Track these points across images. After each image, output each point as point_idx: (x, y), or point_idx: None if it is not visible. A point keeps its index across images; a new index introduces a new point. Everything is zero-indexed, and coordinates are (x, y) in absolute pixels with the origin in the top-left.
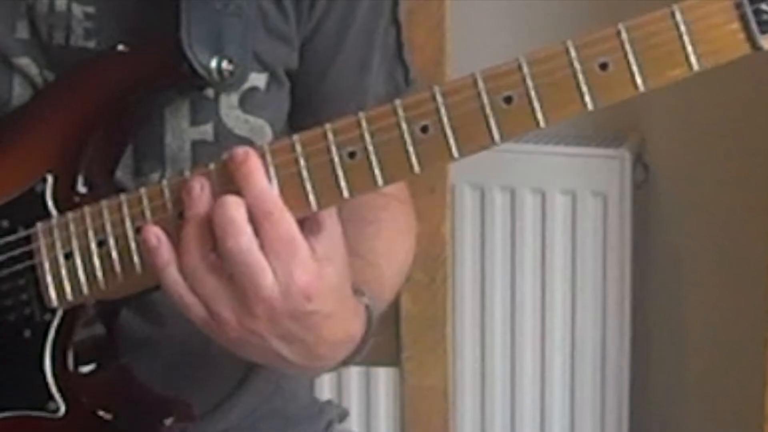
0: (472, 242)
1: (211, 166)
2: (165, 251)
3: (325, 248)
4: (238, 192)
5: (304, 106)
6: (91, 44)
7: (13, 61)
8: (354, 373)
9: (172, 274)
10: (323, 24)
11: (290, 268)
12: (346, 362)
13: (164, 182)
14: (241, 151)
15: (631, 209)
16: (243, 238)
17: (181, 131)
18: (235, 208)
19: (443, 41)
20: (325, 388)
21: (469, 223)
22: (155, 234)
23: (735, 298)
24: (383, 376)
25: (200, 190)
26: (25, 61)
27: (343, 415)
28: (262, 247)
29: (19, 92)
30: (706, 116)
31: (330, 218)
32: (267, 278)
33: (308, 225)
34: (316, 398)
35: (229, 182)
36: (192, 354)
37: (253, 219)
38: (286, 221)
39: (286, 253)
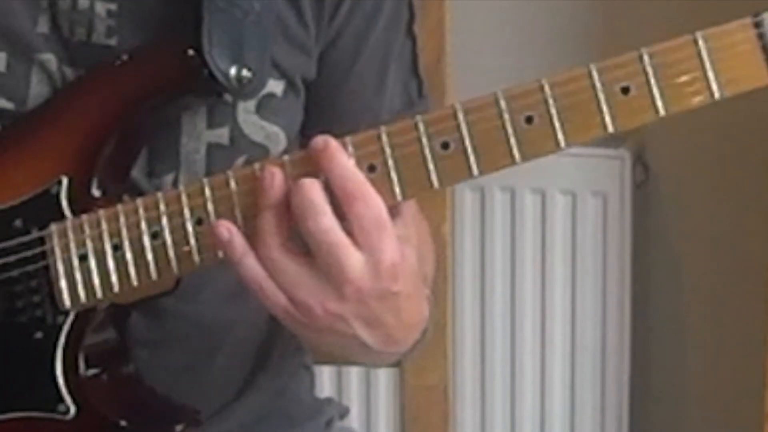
0: (472, 242)
1: (285, 157)
2: (239, 243)
3: (404, 230)
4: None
5: (318, 117)
6: (113, 42)
7: (33, 55)
8: (354, 372)
9: (250, 265)
10: (342, 36)
11: (379, 247)
12: (410, 351)
13: (181, 187)
14: (320, 138)
15: (631, 209)
16: (324, 218)
17: (197, 133)
18: (313, 189)
19: (443, 41)
20: (325, 388)
21: (469, 223)
22: (226, 227)
23: (735, 298)
24: (383, 376)
25: (273, 179)
26: (45, 56)
27: (344, 413)
28: (350, 227)
29: (37, 87)
30: (706, 116)
31: (406, 204)
32: (353, 257)
33: (389, 208)
34: (316, 396)
35: (303, 172)
36: (199, 358)
37: (340, 199)
38: (375, 198)
39: (377, 232)
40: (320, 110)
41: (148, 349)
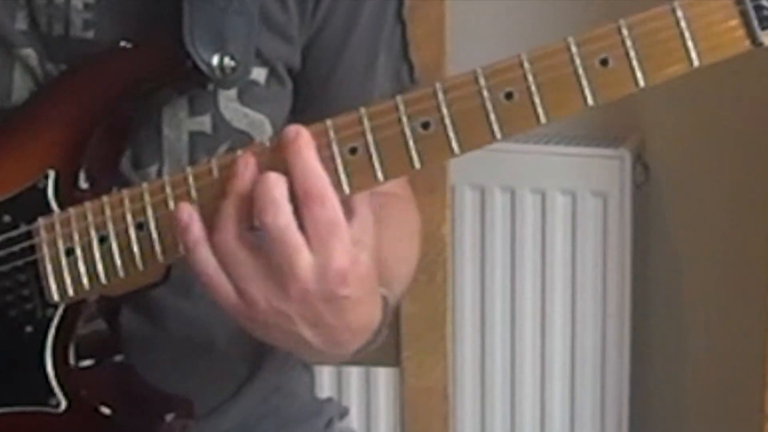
0: (472, 242)
1: (266, 142)
2: (196, 228)
3: (358, 234)
4: (285, 171)
5: (309, 106)
6: (90, 35)
7: (13, 51)
8: (354, 372)
9: (203, 252)
10: (328, 23)
11: (330, 251)
12: (358, 352)
13: (165, 177)
14: (293, 127)
15: (631, 209)
16: (282, 217)
17: (178, 122)
18: (276, 185)
19: (443, 41)
20: (325, 388)
21: (469, 223)
22: (187, 211)
23: (735, 298)
24: (383, 376)
25: (244, 168)
26: (25, 52)
27: (344, 413)
28: (303, 227)
29: (20, 82)
30: (706, 116)
31: (362, 205)
32: (304, 258)
33: (343, 210)
34: (316, 396)
35: (278, 161)
36: (194, 354)
37: (298, 196)
38: (333, 202)
39: (329, 235)
40: (311, 100)
41: (144, 347)
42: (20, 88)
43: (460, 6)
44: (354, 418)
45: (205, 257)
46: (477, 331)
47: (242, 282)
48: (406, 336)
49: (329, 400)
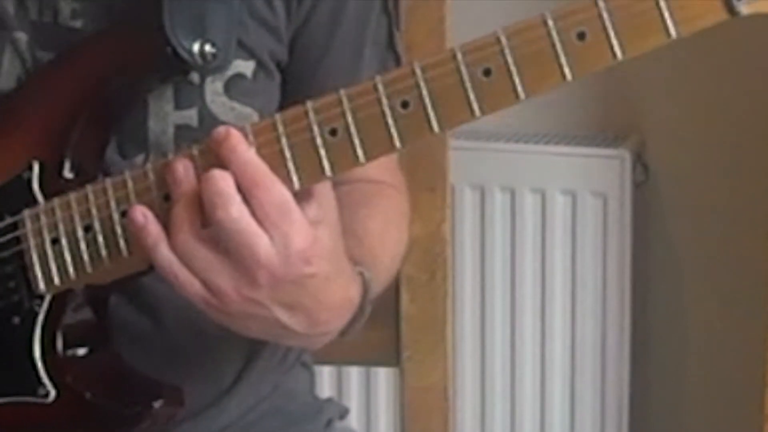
0: (472, 242)
1: (194, 149)
2: (153, 229)
3: (317, 212)
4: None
5: (297, 98)
6: (78, 24)
7: (5, 32)
8: (354, 372)
9: (164, 252)
10: (314, 15)
11: (286, 232)
12: (346, 332)
13: (148, 165)
14: (221, 128)
15: (631, 209)
16: (232, 207)
17: (164, 115)
18: (222, 179)
19: (443, 41)
20: (325, 388)
21: (469, 223)
22: (141, 212)
23: (735, 298)
24: (383, 376)
25: (184, 170)
26: (16, 35)
27: (344, 413)
28: (254, 215)
29: (8, 66)
30: (706, 116)
31: (320, 184)
32: (263, 244)
33: (299, 193)
34: (316, 396)
35: (212, 162)
36: (187, 347)
37: (243, 189)
38: (276, 186)
39: (281, 218)
40: (298, 91)
41: (138, 340)
42: (8, 72)
43: (460, 6)
44: (354, 418)
45: (167, 256)
46: (477, 331)
47: (209, 276)
48: (406, 336)
49: (329, 400)
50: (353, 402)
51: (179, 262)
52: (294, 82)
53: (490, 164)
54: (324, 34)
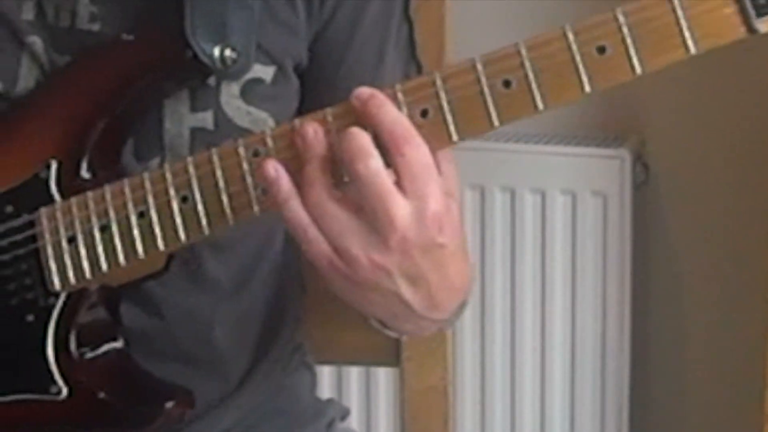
0: (471, 242)
1: (326, 112)
2: (285, 183)
3: (448, 184)
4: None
5: (316, 101)
6: (96, 27)
7: (22, 38)
8: (354, 373)
9: (295, 207)
10: (335, 19)
11: (425, 194)
12: (449, 321)
13: (166, 166)
14: (363, 88)
15: (631, 209)
16: (372, 161)
17: (180, 117)
18: (361, 135)
19: (443, 41)
20: (325, 388)
21: (469, 223)
22: (273, 166)
23: (735, 299)
24: (383, 376)
25: (314, 132)
26: (32, 39)
27: (345, 414)
28: (398, 172)
29: (26, 71)
30: (707, 116)
31: (446, 161)
32: (400, 203)
33: None
34: (317, 397)
35: (348, 123)
36: (193, 347)
37: (390, 144)
38: (425, 146)
39: (424, 178)
40: (317, 96)
41: (144, 341)
42: (26, 76)
43: (460, 6)
44: (354, 418)
45: (298, 211)
46: (477, 331)
47: (339, 238)
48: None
49: (330, 401)
50: (353, 402)
51: (310, 221)
52: (313, 85)
53: (490, 164)
54: (344, 37)
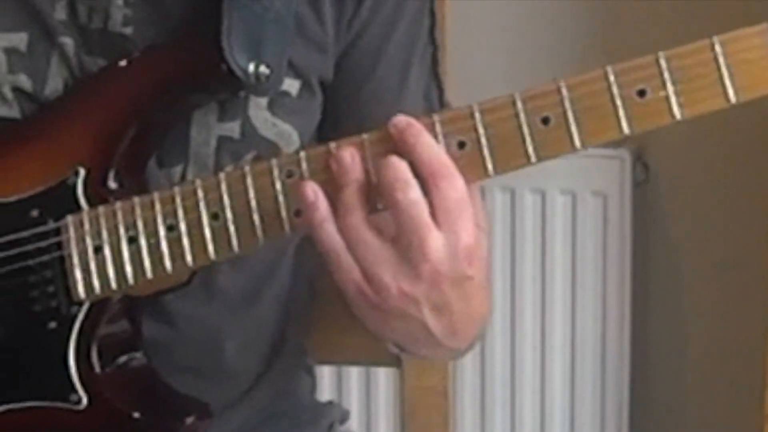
0: None
1: (364, 137)
2: (323, 206)
3: (479, 217)
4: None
5: (337, 121)
6: (128, 31)
7: (53, 38)
8: (354, 373)
9: (330, 231)
10: (362, 37)
11: (458, 229)
12: (463, 352)
13: (198, 182)
14: (400, 117)
15: (631, 209)
16: (411, 191)
17: (207, 125)
18: (401, 165)
19: (443, 41)
20: (325, 388)
21: None
22: (312, 188)
23: (735, 299)
24: (383, 376)
25: (351, 158)
26: (63, 40)
27: (345, 417)
28: (433, 205)
29: (55, 71)
30: (707, 116)
31: (474, 191)
32: (434, 236)
33: None
34: (317, 400)
35: (385, 151)
36: (204, 357)
37: (427, 177)
38: (461, 180)
39: (457, 213)
40: (339, 114)
41: (154, 348)
42: (55, 76)
43: (460, 6)
44: (354, 419)
45: (333, 235)
46: None
47: (371, 265)
48: None
49: (330, 403)
50: (353, 402)
51: (344, 246)
52: (336, 101)
53: None
54: (371, 57)
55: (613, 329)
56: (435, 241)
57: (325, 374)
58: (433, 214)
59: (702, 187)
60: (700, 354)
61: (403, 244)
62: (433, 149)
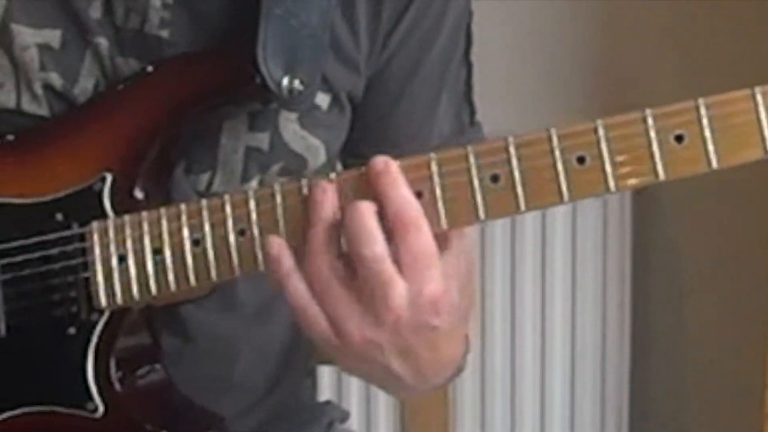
0: None
1: (333, 175)
2: (287, 260)
3: (448, 266)
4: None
5: (366, 138)
6: (165, 34)
7: (87, 36)
8: None
9: (296, 283)
10: (396, 58)
11: (423, 279)
12: (439, 386)
13: (226, 197)
14: (380, 159)
15: (631, 209)
16: (377, 247)
17: (237, 134)
18: (369, 215)
19: None
20: (325, 388)
21: None
22: (277, 243)
23: (735, 299)
24: None
25: (323, 194)
26: (98, 40)
27: (345, 417)
28: (398, 255)
29: (87, 70)
30: None
31: (458, 238)
32: (398, 287)
33: (438, 241)
34: (317, 399)
35: (357, 191)
36: (216, 370)
37: (395, 226)
38: (428, 232)
39: (423, 265)
40: (369, 131)
41: (168, 360)
42: (87, 75)
43: None
44: (354, 419)
45: (299, 288)
46: (477, 331)
47: (335, 313)
48: None
49: (329, 403)
50: (353, 403)
51: (310, 296)
52: (368, 118)
53: None
54: (404, 78)
55: (613, 331)
56: (398, 292)
57: (325, 375)
58: (398, 263)
59: (702, 187)
60: (700, 354)
61: (366, 293)
62: (404, 198)
